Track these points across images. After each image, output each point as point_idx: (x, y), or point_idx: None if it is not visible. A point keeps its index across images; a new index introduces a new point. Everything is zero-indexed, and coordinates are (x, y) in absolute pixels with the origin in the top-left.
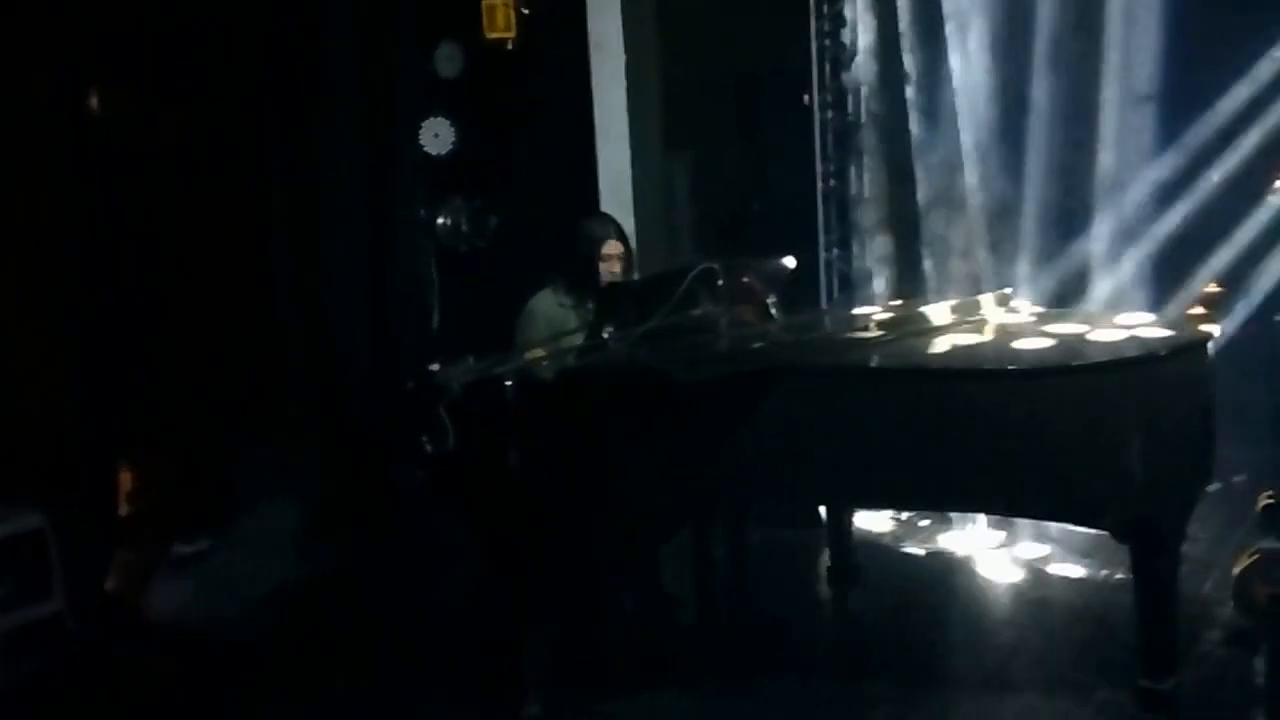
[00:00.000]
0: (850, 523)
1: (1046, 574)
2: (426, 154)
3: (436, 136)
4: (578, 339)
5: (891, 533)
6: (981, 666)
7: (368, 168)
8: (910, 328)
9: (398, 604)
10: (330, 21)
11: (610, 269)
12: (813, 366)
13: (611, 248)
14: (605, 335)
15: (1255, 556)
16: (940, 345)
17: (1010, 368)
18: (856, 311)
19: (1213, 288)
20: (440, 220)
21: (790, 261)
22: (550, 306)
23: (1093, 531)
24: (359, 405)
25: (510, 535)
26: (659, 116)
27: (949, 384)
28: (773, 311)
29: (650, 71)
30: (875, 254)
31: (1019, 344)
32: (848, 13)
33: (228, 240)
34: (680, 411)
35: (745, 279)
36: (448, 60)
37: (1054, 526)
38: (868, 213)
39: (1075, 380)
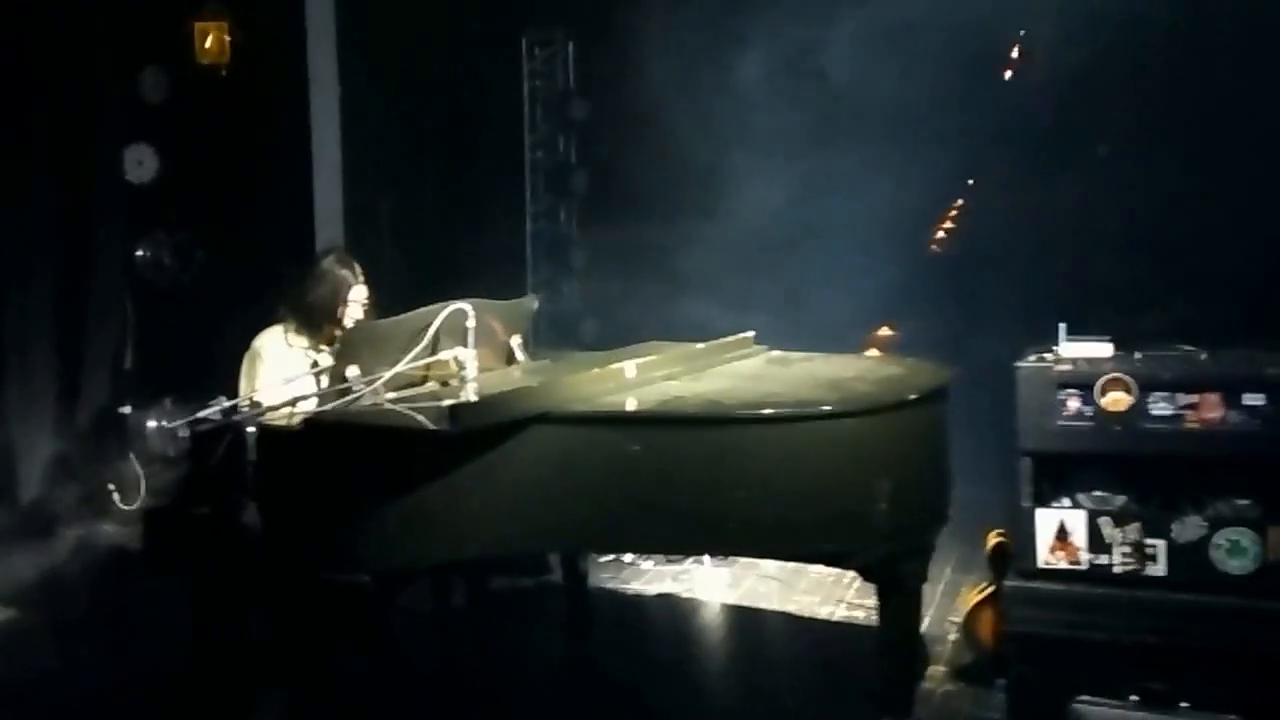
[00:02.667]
0: (586, 569)
1: (773, 613)
2: (128, 182)
3: (140, 164)
4: (309, 383)
5: (618, 575)
6: (715, 711)
7: (60, 194)
8: (661, 371)
9: (95, 673)
10: (22, 39)
11: (353, 315)
12: (572, 413)
13: (357, 294)
14: (348, 380)
15: (984, 593)
16: (689, 389)
17: (762, 413)
18: (602, 354)
19: (884, 330)
20: (140, 253)
21: (534, 302)
22: (278, 346)
23: (813, 569)
24: (36, 450)
25: (238, 595)
26: (374, 153)
27: (700, 430)
28: (518, 354)
29: (366, 107)
30: (586, 296)
31: (768, 387)
32: (560, 53)
33: None
34: (433, 463)
35: (486, 320)
36: (153, 85)
37: (775, 564)
38: (578, 254)
39: (826, 425)
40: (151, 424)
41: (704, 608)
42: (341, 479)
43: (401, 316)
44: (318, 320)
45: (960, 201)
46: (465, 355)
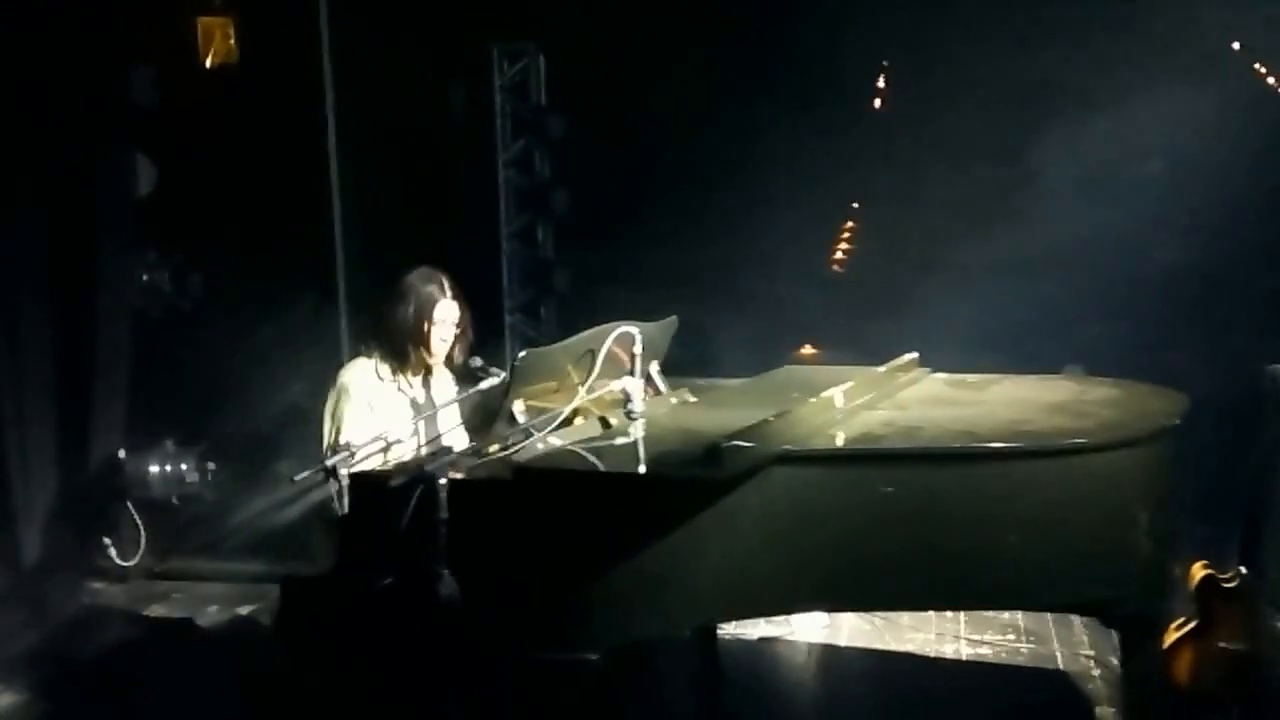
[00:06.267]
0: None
1: (897, 655)
2: (126, 197)
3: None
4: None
5: None
6: None
7: (43, 209)
8: (860, 399)
9: None
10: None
11: (442, 336)
12: (816, 451)
13: (445, 311)
14: (520, 414)
15: (1183, 630)
16: (910, 419)
17: (1045, 445)
18: (742, 382)
19: (807, 349)
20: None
21: (675, 323)
22: (368, 381)
23: None
24: (38, 506)
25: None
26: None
27: (967, 466)
28: (659, 383)
29: (356, 122)
30: (567, 320)
31: (1001, 414)
32: (532, 67)
33: None
34: (673, 515)
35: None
36: (147, 86)
37: None
38: (560, 276)
39: (1097, 457)
40: (154, 469)
41: (825, 652)
42: (566, 538)
43: (563, 342)
44: (402, 344)
45: (851, 223)
46: (632, 386)
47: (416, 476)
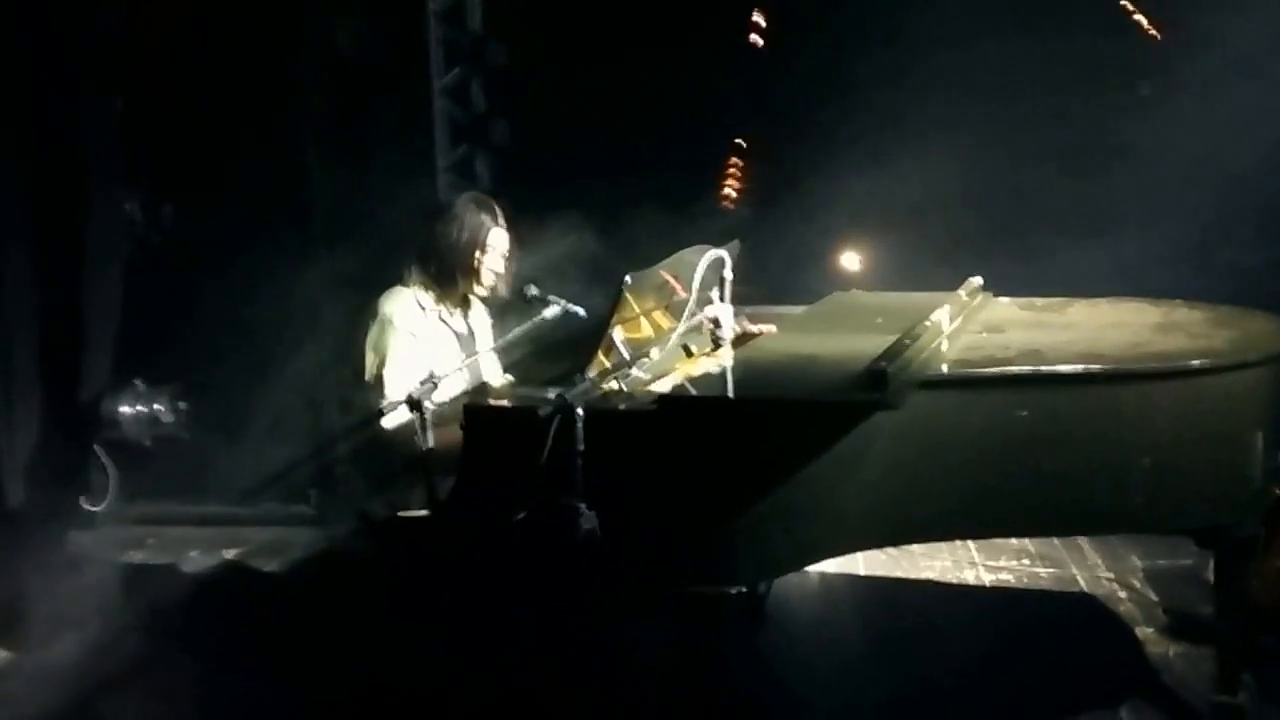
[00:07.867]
0: None
1: (920, 583)
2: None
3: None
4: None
5: None
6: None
7: (18, 146)
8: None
9: None
10: None
11: (492, 267)
12: (950, 376)
13: (497, 239)
14: (621, 343)
15: None
16: (1018, 341)
17: (1188, 365)
18: (806, 309)
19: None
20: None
21: (736, 246)
22: (411, 311)
23: None
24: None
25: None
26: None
27: (1105, 388)
28: None
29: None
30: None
31: (1111, 336)
32: None
33: None
34: (815, 444)
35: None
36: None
37: None
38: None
39: (1227, 378)
40: (125, 409)
41: (848, 582)
42: (711, 470)
43: (655, 267)
44: (450, 273)
45: (734, 159)
46: (723, 314)
47: (554, 408)
